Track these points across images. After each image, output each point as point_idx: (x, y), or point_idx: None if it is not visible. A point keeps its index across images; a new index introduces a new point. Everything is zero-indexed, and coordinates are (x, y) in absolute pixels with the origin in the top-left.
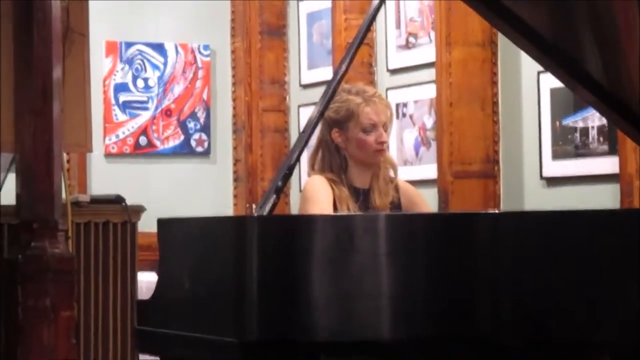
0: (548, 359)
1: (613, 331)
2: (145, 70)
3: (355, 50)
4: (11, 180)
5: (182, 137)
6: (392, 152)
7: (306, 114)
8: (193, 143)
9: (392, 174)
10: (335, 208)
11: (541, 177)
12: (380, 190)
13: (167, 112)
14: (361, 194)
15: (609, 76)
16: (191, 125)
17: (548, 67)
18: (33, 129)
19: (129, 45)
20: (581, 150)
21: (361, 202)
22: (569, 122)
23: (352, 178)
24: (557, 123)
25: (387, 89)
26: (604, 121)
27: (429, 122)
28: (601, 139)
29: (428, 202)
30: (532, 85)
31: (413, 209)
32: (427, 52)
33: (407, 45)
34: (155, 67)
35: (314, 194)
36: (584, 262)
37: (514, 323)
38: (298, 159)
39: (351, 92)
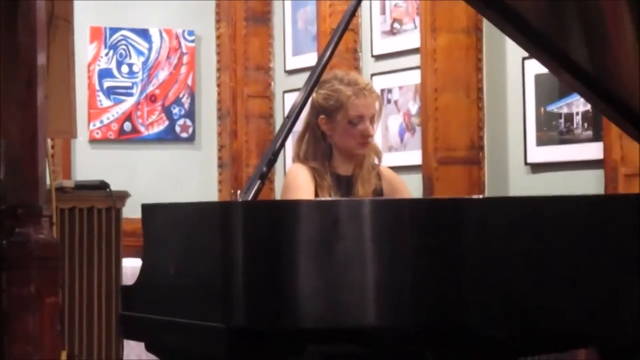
0: (536, 351)
1: (603, 322)
2: (130, 56)
3: (339, 36)
4: None
5: (166, 123)
6: (377, 138)
7: (291, 99)
8: (178, 129)
9: (376, 161)
10: (317, 197)
11: (526, 163)
12: (363, 178)
13: (152, 98)
14: (344, 181)
15: (595, 64)
16: (176, 111)
17: (534, 54)
18: (17, 116)
19: (113, 31)
20: (566, 136)
21: (344, 190)
22: (553, 108)
23: (336, 166)
24: (542, 109)
25: (371, 75)
26: (589, 107)
27: (414, 108)
28: (586, 125)
29: (413, 188)
30: (516, 72)
31: (394, 196)
32: (412, 38)
33: (392, 31)
34: (139, 52)
35: (296, 183)
36: (572, 249)
37: (501, 312)
38: (283, 145)
39: (343, 82)
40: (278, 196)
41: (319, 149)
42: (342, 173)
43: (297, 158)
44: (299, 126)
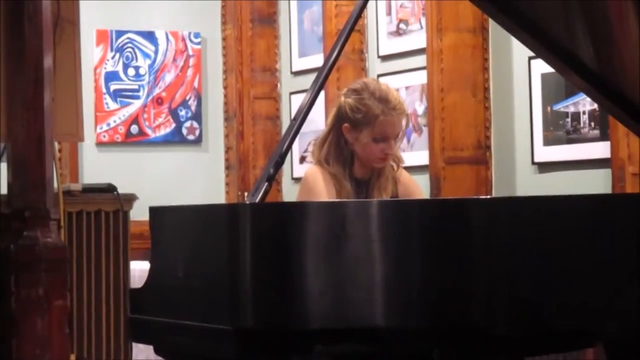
0: (542, 349)
1: (608, 320)
2: (136, 59)
3: (346, 37)
4: (2, 169)
5: (173, 126)
6: None
7: (297, 101)
8: (184, 131)
9: (394, 166)
10: None
11: (532, 162)
12: (380, 186)
13: (158, 101)
14: (363, 184)
15: (601, 63)
16: (182, 113)
17: (540, 53)
18: (24, 118)
19: (119, 33)
20: (572, 136)
21: (363, 195)
22: (560, 107)
23: (355, 171)
24: (549, 108)
25: (378, 76)
26: (595, 106)
27: (420, 108)
28: (592, 124)
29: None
30: (523, 71)
31: (407, 197)
32: (418, 38)
33: (398, 32)
34: (146, 55)
35: (316, 185)
36: (579, 248)
37: (508, 311)
38: (290, 147)
39: (374, 96)
40: (285, 198)
41: (340, 154)
42: (360, 177)
43: (317, 161)
44: (306, 127)
